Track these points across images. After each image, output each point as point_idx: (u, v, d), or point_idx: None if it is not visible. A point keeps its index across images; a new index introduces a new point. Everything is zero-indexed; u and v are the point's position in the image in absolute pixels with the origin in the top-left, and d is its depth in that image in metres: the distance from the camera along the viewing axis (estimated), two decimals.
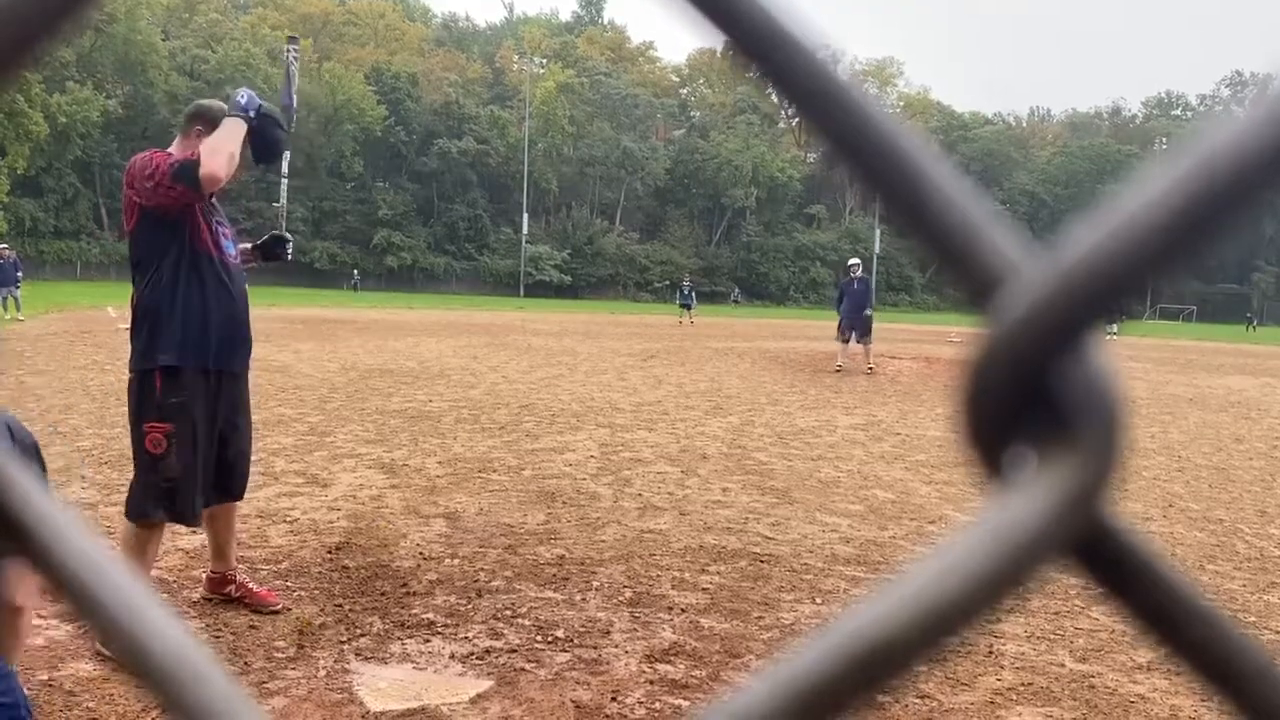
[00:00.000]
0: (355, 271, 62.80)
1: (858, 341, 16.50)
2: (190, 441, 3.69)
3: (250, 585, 4.10)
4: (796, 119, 0.23)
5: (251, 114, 3.74)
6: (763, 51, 0.22)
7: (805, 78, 0.22)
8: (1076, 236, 0.21)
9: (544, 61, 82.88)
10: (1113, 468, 0.22)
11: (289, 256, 4.48)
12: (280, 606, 4.04)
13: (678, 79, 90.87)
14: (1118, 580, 0.23)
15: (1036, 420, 0.22)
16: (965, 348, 0.22)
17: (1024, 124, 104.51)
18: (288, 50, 5.00)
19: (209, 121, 3.77)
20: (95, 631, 0.27)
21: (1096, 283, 0.21)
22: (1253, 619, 4.52)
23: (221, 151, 3.59)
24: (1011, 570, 0.21)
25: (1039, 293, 0.21)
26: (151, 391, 3.66)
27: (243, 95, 3.79)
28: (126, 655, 0.26)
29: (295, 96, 4.86)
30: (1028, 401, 0.21)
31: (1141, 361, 22.02)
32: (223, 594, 4.07)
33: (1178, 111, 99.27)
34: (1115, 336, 34.13)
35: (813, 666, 0.21)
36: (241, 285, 3.91)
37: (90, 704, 3.07)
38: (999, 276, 0.22)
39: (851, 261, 17.40)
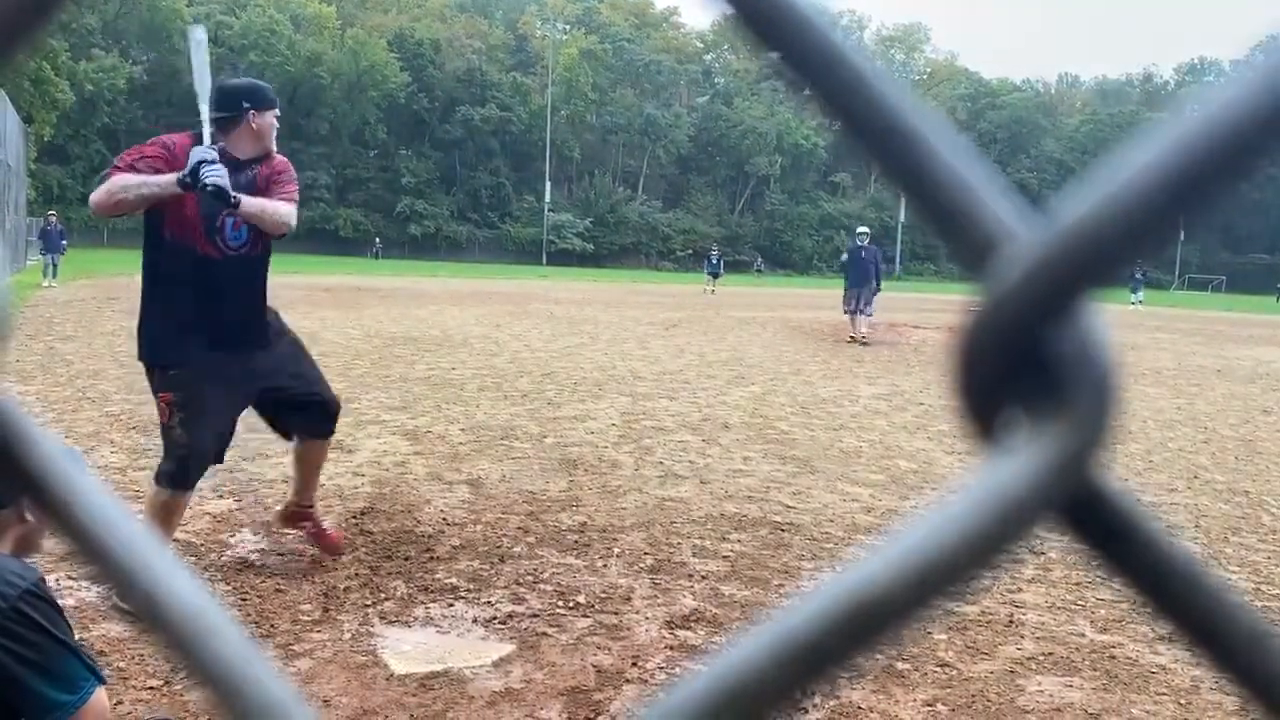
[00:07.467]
0: (377, 240, 62.88)
1: (858, 310, 16.09)
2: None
3: (324, 526, 4.26)
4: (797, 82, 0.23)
5: (187, 181, 3.42)
6: (752, 9, 0.22)
7: (791, 33, 0.22)
8: (1072, 201, 0.21)
9: (567, 27, 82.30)
10: (1104, 432, 0.22)
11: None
12: (344, 551, 4.24)
13: (702, 45, 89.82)
14: (1107, 543, 0.24)
15: (1029, 384, 0.22)
16: (962, 311, 0.22)
17: (1053, 91, 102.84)
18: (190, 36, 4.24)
19: (249, 102, 3.75)
20: (113, 586, 0.28)
21: (1091, 248, 0.21)
22: (1277, 591, 4.49)
23: (113, 195, 3.42)
24: (1000, 532, 0.21)
25: (1033, 257, 0.21)
26: None
27: (197, 154, 3.43)
28: (144, 610, 0.27)
29: (202, 82, 4.26)
30: (1021, 366, 0.22)
31: (1169, 332, 21.77)
32: (298, 528, 4.21)
33: (1211, 78, 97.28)
34: (1141, 305, 33.68)
35: (804, 623, 0.22)
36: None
37: (120, 664, 3.13)
38: (995, 241, 0.22)
39: (859, 230, 17.26)
